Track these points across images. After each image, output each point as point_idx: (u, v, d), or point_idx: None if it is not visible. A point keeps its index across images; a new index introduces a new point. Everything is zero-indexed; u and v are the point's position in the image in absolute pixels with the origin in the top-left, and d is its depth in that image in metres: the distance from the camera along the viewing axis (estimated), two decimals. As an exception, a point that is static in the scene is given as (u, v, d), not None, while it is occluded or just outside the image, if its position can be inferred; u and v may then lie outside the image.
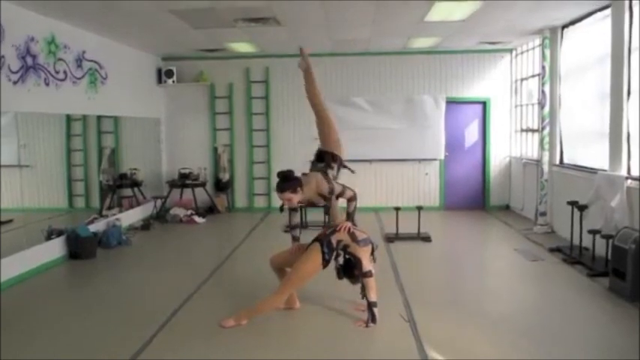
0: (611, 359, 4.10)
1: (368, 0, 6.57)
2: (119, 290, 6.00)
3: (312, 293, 5.44)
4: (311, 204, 5.16)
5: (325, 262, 4.80)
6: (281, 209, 5.00)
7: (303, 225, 8.96)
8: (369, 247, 4.86)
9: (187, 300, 5.52)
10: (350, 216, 4.97)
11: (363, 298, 4.81)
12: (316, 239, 4.89)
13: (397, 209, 8.30)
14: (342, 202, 5.17)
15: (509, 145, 10.83)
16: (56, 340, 4.58)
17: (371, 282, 4.75)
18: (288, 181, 4.71)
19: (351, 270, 4.80)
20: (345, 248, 4.78)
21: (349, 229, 4.84)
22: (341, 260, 4.84)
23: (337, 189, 4.91)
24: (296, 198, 4.72)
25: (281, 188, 4.70)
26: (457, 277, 6.34)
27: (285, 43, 9.55)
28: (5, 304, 5.50)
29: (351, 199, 4.98)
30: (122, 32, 8.29)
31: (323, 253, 4.76)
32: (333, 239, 4.81)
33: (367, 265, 4.75)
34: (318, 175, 4.91)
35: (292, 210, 5.12)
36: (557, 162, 8.51)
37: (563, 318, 4.93)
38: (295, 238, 5.21)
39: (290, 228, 5.26)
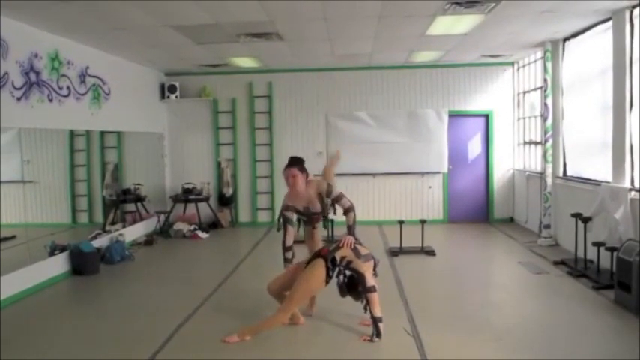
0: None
1: (370, 14, 6.61)
2: (123, 306, 5.98)
3: (317, 308, 5.41)
4: (308, 212, 5.16)
5: (328, 278, 4.79)
6: (278, 229, 4.99)
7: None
8: (372, 263, 4.86)
9: (191, 315, 5.50)
10: (351, 229, 4.95)
11: (366, 312, 4.79)
12: (318, 255, 4.88)
13: (401, 223, 8.27)
14: (341, 218, 5.21)
15: (512, 157, 10.83)
16: (60, 356, 4.56)
17: (375, 297, 4.73)
18: (297, 161, 5.04)
19: (354, 286, 4.78)
20: (348, 264, 4.77)
21: (352, 244, 4.84)
22: (342, 278, 4.82)
23: (335, 192, 4.97)
24: (300, 178, 4.95)
25: (290, 164, 4.99)
26: (461, 291, 6.30)
27: (288, 58, 9.61)
28: (8, 320, 5.49)
29: (349, 210, 4.98)
30: (125, 48, 8.34)
31: (327, 268, 4.75)
32: (337, 255, 4.80)
33: (370, 280, 4.74)
34: (317, 178, 5.00)
35: (287, 231, 5.06)
36: (561, 174, 8.49)
37: (568, 331, 4.89)
38: (288, 260, 5.10)
39: (284, 249, 5.10)
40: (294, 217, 5.11)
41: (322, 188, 4.96)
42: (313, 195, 5.02)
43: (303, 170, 4.99)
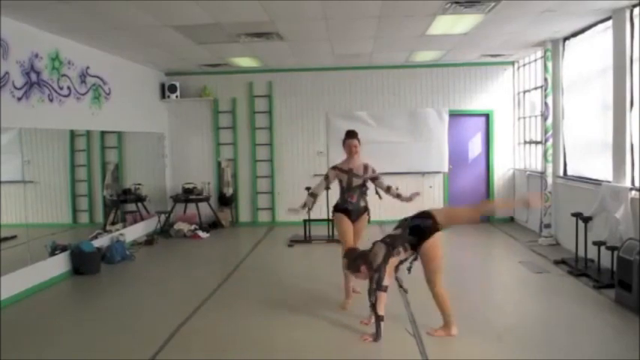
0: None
1: (370, 14, 6.61)
2: (123, 306, 5.98)
3: (318, 307, 5.42)
4: (351, 173, 5.89)
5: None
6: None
7: (307, 239, 8.99)
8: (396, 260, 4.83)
9: (192, 315, 5.50)
10: (400, 196, 6.14)
11: (372, 310, 4.79)
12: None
13: (401, 222, 8.24)
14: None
15: (512, 157, 10.83)
16: (60, 356, 4.56)
17: (383, 297, 4.70)
18: (356, 133, 5.92)
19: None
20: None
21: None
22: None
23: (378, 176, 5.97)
24: (359, 148, 5.88)
25: (352, 135, 5.86)
26: (462, 290, 6.28)
27: (288, 58, 9.61)
28: (9, 320, 5.49)
29: (389, 187, 6.07)
30: (125, 48, 8.34)
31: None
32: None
33: (387, 279, 4.71)
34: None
35: (321, 182, 5.97)
36: (561, 174, 8.49)
37: (569, 330, 4.89)
38: (304, 205, 5.86)
39: (308, 194, 5.95)
40: (334, 178, 5.94)
41: (371, 166, 5.96)
42: (360, 164, 5.91)
43: (359, 140, 5.89)
